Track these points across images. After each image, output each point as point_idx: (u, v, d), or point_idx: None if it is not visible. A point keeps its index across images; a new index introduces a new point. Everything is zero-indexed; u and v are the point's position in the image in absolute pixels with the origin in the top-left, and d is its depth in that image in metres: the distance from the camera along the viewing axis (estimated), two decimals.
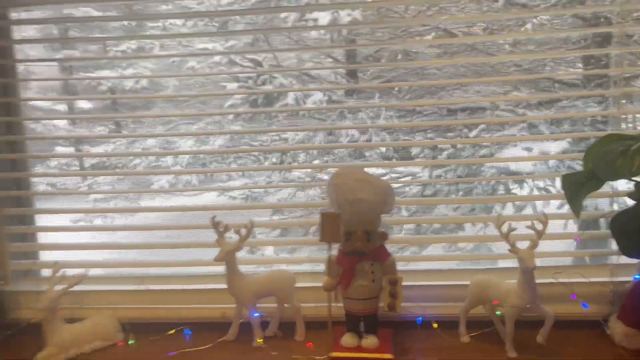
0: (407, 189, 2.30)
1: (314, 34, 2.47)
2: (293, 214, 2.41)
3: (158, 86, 2.51)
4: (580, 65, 2.13)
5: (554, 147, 2.18)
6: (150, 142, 2.53)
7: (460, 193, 2.36)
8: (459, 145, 2.05)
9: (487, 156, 2.08)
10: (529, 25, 1.97)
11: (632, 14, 1.25)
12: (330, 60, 2.41)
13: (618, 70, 1.11)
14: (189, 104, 2.33)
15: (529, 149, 2.29)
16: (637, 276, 1.06)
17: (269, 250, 1.87)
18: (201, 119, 1.93)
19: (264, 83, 2.56)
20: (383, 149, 2.13)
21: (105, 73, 2.59)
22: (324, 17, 2.56)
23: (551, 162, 2.18)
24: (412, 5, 1.76)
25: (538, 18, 1.94)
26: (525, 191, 2.47)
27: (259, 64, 2.58)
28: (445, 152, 2.23)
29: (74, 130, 2.55)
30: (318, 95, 2.40)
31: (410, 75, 2.11)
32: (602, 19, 1.94)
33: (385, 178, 2.01)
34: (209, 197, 2.51)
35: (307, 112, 1.39)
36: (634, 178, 1.04)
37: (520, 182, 2.35)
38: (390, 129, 2.12)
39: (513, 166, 2.27)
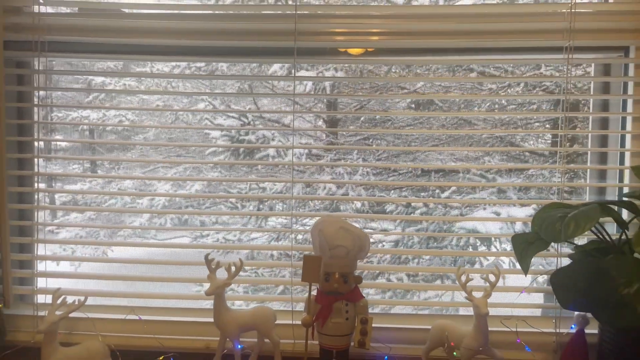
0: (380, 245, 2.43)
1: (298, 89, 2.65)
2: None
3: (139, 128, 2.59)
4: (548, 138, 2.32)
5: (521, 212, 2.37)
6: (127, 183, 2.58)
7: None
8: (431, 205, 2.21)
9: (458, 215, 2.23)
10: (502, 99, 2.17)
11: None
12: (311, 115, 2.56)
13: (562, 149, 1.32)
14: (168, 148, 2.42)
15: (497, 213, 2.48)
16: (573, 326, 1.22)
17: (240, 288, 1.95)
18: (180, 165, 2.03)
19: (247, 134, 2.72)
20: (359, 205, 2.26)
21: (87, 113, 2.72)
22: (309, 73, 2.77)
23: (517, 227, 2.34)
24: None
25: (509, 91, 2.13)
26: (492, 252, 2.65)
27: (243, 115, 2.75)
28: (418, 211, 2.40)
29: (48, 166, 2.60)
30: (299, 149, 2.57)
31: (387, 135, 2.28)
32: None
33: None
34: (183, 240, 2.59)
35: (286, 166, 1.54)
36: (572, 240, 1.22)
37: (489, 244, 2.52)
38: (367, 186, 2.27)
39: (482, 230, 2.44)
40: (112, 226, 1.75)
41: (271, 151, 2.52)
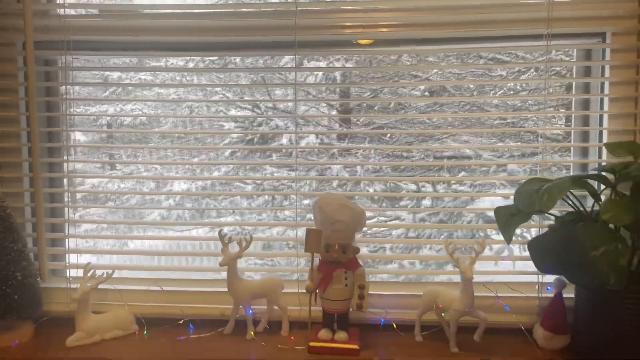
0: (393, 231, 2.52)
1: (310, 79, 2.75)
2: (282, 251, 2.58)
3: (155, 122, 2.68)
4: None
5: None
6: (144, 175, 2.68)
7: (443, 235, 2.61)
8: (440, 190, 2.26)
9: (468, 202, 2.30)
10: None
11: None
12: (324, 105, 2.63)
13: (542, 129, 1.43)
14: (185, 141, 2.53)
15: (506, 197, 2.57)
16: (549, 287, 1.34)
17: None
18: (196, 156, 2.14)
19: (260, 125, 2.84)
20: (372, 193, 2.31)
21: (105, 108, 2.85)
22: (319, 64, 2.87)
23: None
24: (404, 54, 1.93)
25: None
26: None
27: (256, 106, 2.86)
28: (429, 197, 2.47)
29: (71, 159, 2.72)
30: (311, 138, 2.67)
31: (401, 123, 2.35)
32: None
33: (374, 221, 2.26)
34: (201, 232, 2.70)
35: (300, 154, 1.60)
36: (552, 212, 1.34)
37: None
38: (380, 173, 2.32)
39: (490, 214, 2.51)
40: (138, 206, 1.90)
41: (285, 141, 2.63)
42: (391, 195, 2.12)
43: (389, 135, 2.35)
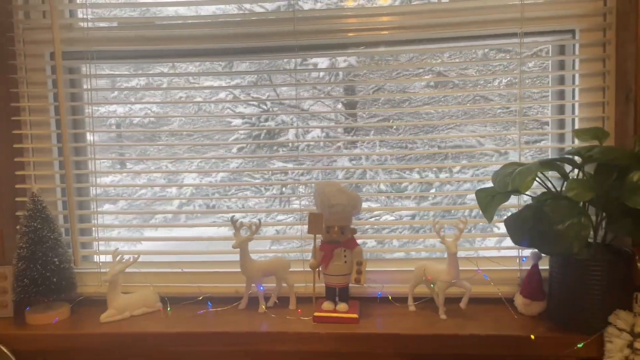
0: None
1: (313, 75, 2.87)
2: (291, 245, 2.69)
3: (163, 120, 2.78)
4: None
5: None
6: (155, 174, 2.78)
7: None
8: (443, 176, 2.34)
9: (470, 190, 2.39)
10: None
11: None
12: (329, 99, 2.69)
13: (519, 118, 1.58)
14: (193, 138, 2.64)
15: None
16: (524, 259, 1.51)
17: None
18: (205, 153, 2.26)
19: (266, 120, 2.99)
20: (383, 187, 2.39)
21: (114, 108, 3.01)
22: (322, 62, 3.00)
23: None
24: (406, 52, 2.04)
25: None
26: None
27: (262, 102, 3.01)
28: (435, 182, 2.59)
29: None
30: (316, 132, 2.81)
31: (405, 115, 2.45)
32: None
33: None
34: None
35: (307, 148, 1.70)
36: (529, 193, 1.49)
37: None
38: (385, 159, 2.42)
39: None
40: (156, 197, 2.07)
41: (291, 135, 2.75)
42: (395, 181, 2.22)
43: (395, 127, 2.43)
